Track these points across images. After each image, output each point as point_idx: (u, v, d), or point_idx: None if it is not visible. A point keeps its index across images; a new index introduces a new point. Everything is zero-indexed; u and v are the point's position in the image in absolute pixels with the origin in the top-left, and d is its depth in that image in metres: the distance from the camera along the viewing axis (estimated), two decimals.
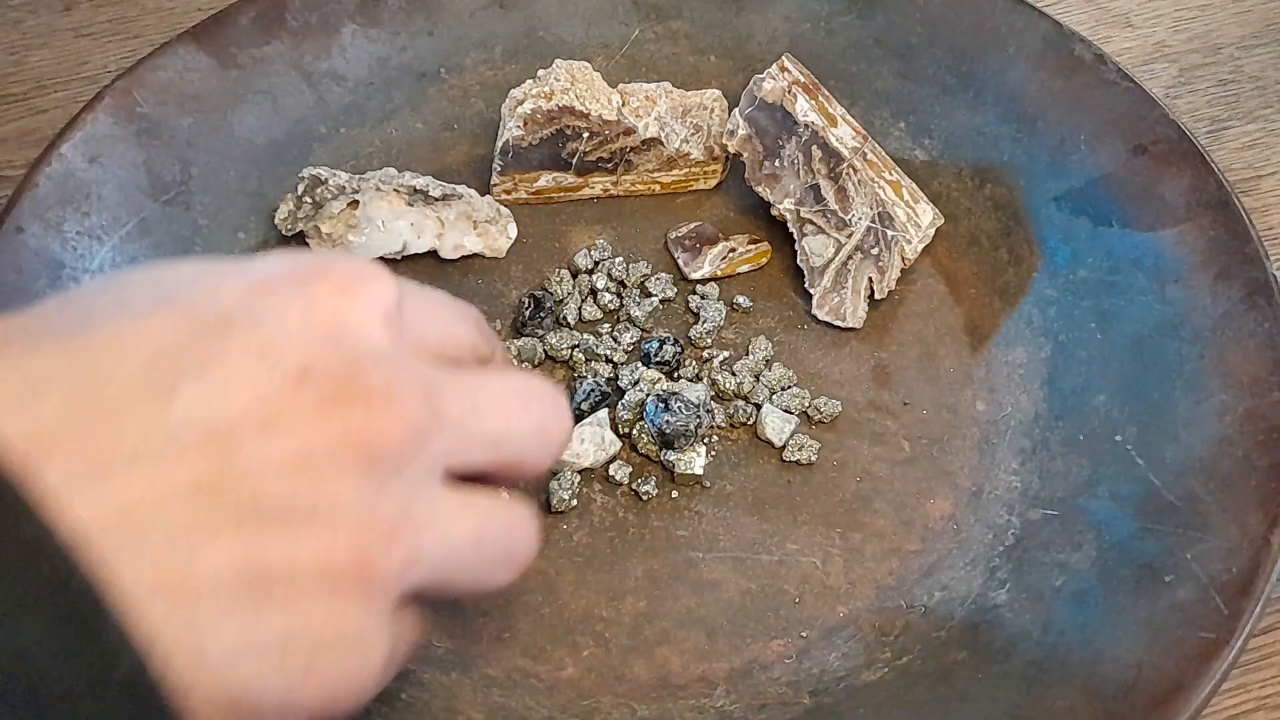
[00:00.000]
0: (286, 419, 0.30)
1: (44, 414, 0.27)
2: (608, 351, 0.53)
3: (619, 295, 0.55)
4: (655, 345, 0.53)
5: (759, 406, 0.52)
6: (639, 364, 0.53)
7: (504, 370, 0.38)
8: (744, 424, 0.52)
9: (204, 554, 0.28)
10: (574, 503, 0.50)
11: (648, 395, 0.51)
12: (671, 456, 0.50)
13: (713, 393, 0.52)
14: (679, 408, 0.49)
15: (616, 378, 0.53)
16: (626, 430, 0.51)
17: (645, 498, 0.50)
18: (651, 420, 0.50)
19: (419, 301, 0.35)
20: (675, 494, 0.50)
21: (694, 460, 0.50)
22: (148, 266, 0.33)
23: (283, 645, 0.30)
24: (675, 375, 0.53)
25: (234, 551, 0.29)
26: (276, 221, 0.55)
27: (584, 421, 0.51)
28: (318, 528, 0.30)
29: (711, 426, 0.51)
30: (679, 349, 0.53)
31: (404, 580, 0.32)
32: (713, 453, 0.51)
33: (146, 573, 0.28)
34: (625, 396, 0.52)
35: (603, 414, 0.51)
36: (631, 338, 0.54)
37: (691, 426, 0.49)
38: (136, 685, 0.27)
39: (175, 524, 0.28)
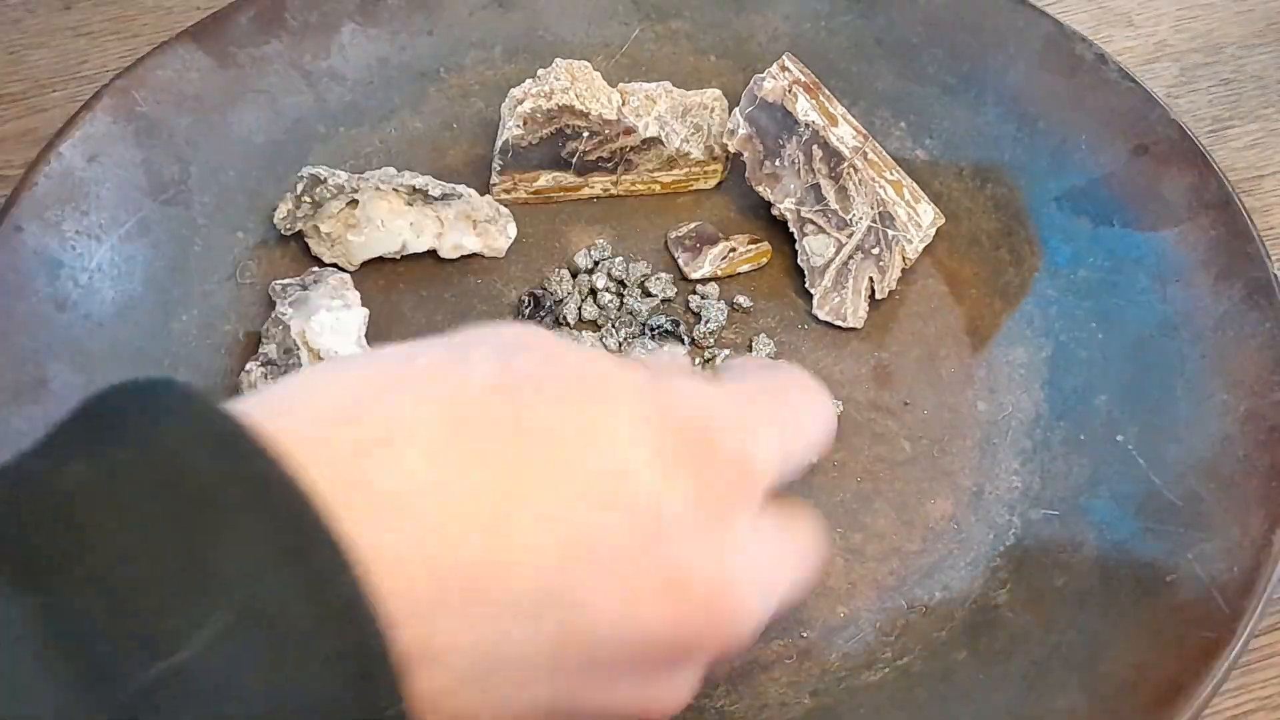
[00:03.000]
0: (679, 473, 0.30)
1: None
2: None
3: (619, 295, 0.55)
4: (658, 320, 0.54)
5: None
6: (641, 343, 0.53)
7: (771, 386, 0.37)
8: None
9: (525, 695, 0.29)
10: None
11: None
12: None
13: None
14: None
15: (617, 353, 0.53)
16: None
17: None
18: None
19: (686, 378, 0.35)
20: None
21: None
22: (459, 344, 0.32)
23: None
24: (675, 338, 0.54)
25: (553, 695, 0.30)
26: (275, 221, 0.54)
27: None
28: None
29: None
30: (678, 322, 0.54)
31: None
32: None
33: (457, 632, 0.28)
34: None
35: None
36: (631, 330, 0.54)
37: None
38: None
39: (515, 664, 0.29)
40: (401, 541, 0.27)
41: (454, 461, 0.28)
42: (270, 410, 0.28)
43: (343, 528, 0.26)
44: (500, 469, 0.28)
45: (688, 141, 0.57)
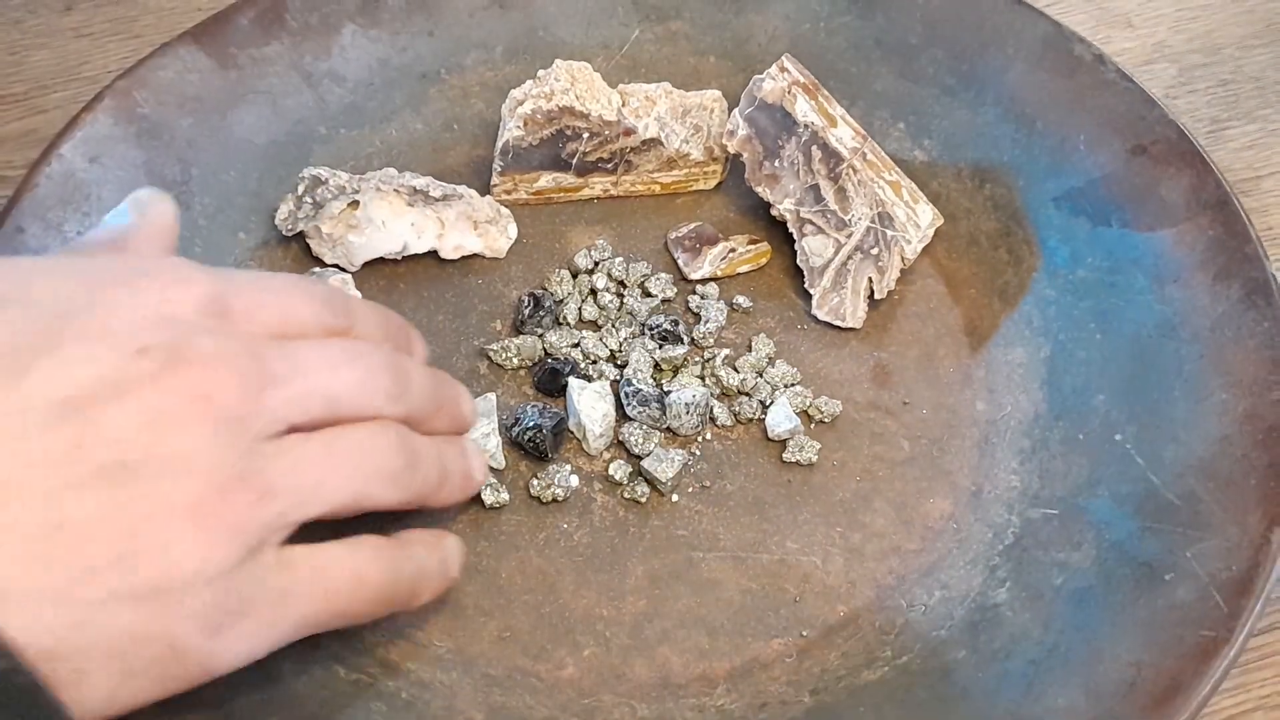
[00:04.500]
0: (134, 386, 0.34)
1: None
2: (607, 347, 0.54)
3: (619, 295, 0.55)
4: (658, 320, 0.54)
5: (766, 405, 0.52)
6: (640, 342, 0.53)
7: (333, 338, 0.41)
8: (750, 420, 0.52)
9: (60, 513, 0.32)
10: (566, 497, 0.50)
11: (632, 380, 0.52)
12: (646, 463, 0.50)
13: (717, 390, 0.52)
14: (642, 402, 0.51)
15: (617, 352, 0.54)
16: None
17: (644, 499, 0.50)
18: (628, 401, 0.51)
19: (245, 289, 0.39)
20: (675, 494, 0.50)
21: (666, 467, 0.50)
22: None
23: (149, 591, 0.33)
24: (674, 338, 0.54)
25: (87, 505, 0.33)
26: (277, 222, 0.55)
27: (590, 385, 0.51)
28: (168, 477, 0.34)
29: (701, 426, 0.52)
30: (677, 321, 0.54)
31: (263, 517, 0.35)
32: (712, 452, 0.51)
33: (14, 534, 0.32)
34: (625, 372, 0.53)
35: (603, 385, 0.52)
36: (632, 330, 0.54)
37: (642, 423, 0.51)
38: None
39: (33, 487, 0.32)
40: None
41: None
42: None
43: None
44: None
45: (687, 142, 0.57)
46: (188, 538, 0.34)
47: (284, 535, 0.37)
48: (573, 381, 0.51)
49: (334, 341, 0.40)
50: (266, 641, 0.37)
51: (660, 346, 0.53)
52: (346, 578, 0.39)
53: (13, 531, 0.32)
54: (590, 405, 0.50)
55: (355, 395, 0.39)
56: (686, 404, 0.51)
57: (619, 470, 0.50)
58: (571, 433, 0.51)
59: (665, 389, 0.52)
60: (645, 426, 0.51)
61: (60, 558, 0.32)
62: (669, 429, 0.51)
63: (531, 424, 0.50)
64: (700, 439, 0.52)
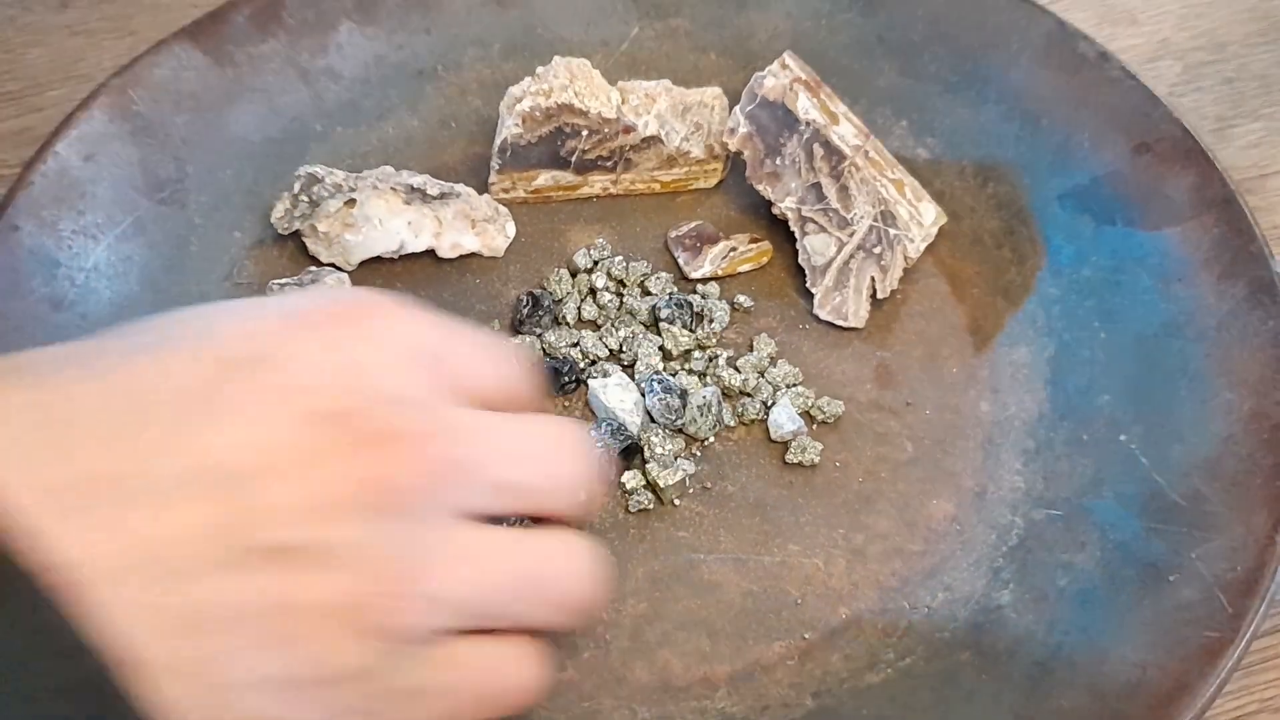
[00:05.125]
0: (300, 463, 0.30)
1: (56, 455, 0.29)
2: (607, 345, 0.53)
3: (619, 295, 0.55)
4: (667, 302, 0.54)
5: (768, 405, 0.52)
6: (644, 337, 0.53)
7: (534, 416, 0.37)
8: (754, 420, 0.52)
9: (208, 592, 0.29)
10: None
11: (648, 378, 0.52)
12: (653, 469, 0.50)
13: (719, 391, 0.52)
14: (668, 393, 0.50)
15: (617, 351, 0.54)
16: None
17: (650, 505, 0.49)
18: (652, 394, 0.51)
19: (455, 341, 0.35)
20: (676, 497, 0.50)
21: (670, 474, 0.50)
22: (195, 307, 0.34)
23: (289, 682, 0.31)
24: (684, 321, 0.54)
25: (240, 590, 0.29)
26: (273, 220, 0.54)
27: (609, 379, 0.51)
28: (328, 570, 0.30)
29: (717, 428, 0.51)
30: (682, 306, 0.54)
31: (417, 621, 0.32)
32: (714, 454, 0.51)
33: (146, 611, 0.28)
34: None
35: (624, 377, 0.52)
36: (631, 330, 0.54)
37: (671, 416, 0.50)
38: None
39: (181, 563, 0.29)
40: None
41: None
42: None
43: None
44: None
45: (688, 140, 0.57)
46: (336, 634, 0.31)
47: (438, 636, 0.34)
48: (592, 383, 0.51)
49: (540, 425, 0.36)
50: None
51: (672, 324, 0.53)
52: (500, 686, 0.36)
53: (158, 606, 0.29)
54: (618, 398, 0.50)
55: (550, 501, 0.36)
56: (699, 406, 0.50)
57: (631, 479, 0.50)
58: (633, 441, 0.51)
59: (684, 387, 0.51)
60: (666, 431, 0.51)
61: (205, 637, 0.30)
62: (680, 429, 0.51)
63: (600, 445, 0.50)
64: (703, 441, 0.51)
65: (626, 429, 0.50)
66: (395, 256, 0.55)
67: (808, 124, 0.54)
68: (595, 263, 0.56)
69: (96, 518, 0.28)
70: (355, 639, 0.31)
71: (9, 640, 0.27)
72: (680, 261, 0.56)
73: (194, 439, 0.30)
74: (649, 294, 0.55)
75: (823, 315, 0.54)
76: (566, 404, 0.52)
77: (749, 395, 0.52)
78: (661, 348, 0.53)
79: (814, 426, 0.52)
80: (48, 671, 0.28)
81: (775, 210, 0.56)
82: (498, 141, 0.56)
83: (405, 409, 0.32)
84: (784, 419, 0.51)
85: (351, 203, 0.54)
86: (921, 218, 0.55)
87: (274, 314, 0.33)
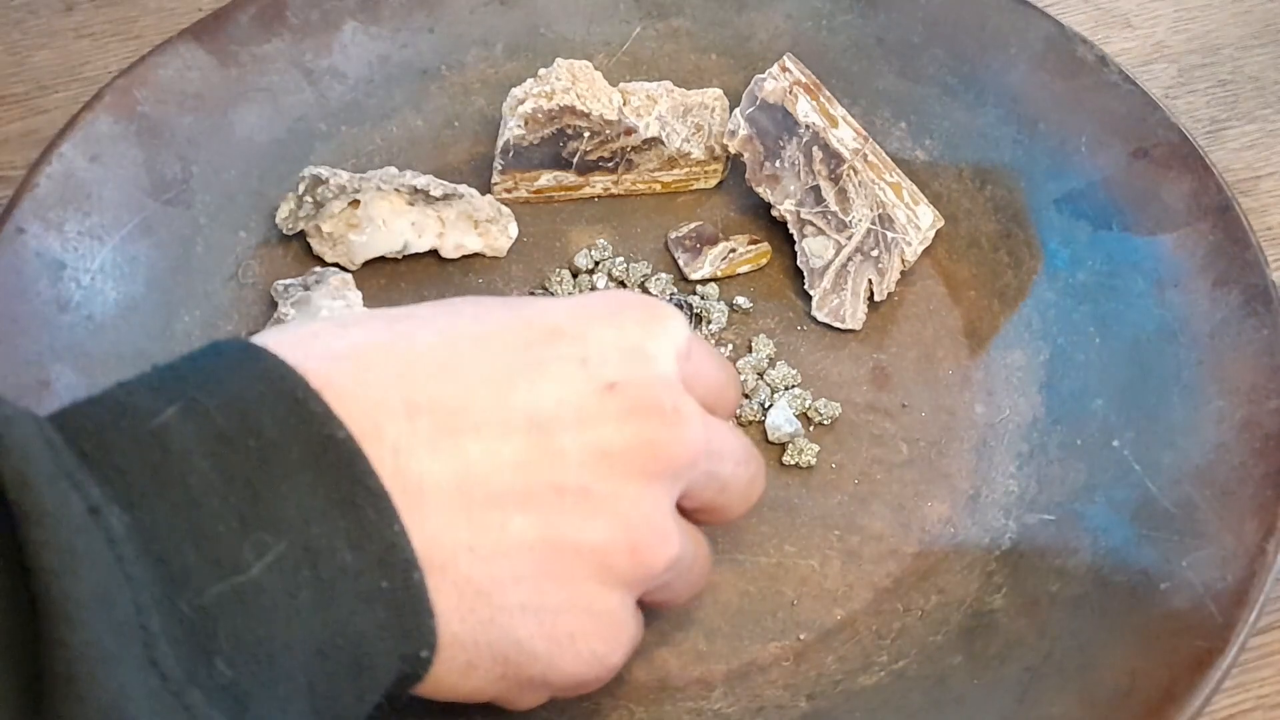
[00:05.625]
0: (595, 419, 0.36)
1: (406, 388, 0.34)
2: None
3: None
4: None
5: (765, 407, 0.52)
6: None
7: (736, 427, 0.45)
8: (752, 421, 0.52)
9: (515, 520, 0.35)
10: None
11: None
12: None
13: None
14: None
15: None
16: None
17: None
18: None
19: (701, 348, 0.41)
20: None
21: None
22: (476, 297, 0.40)
23: (557, 614, 0.36)
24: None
25: (537, 523, 0.35)
26: (277, 220, 0.55)
27: None
28: (606, 516, 0.36)
29: None
30: (681, 306, 0.54)
31: (655, 579, 0.38)
32: None
33: (463, 531, 0.34)
34: None
35: None
36: None
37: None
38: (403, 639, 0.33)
39: (498, 490, 0.34)
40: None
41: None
42: (332, 370, 0.33)
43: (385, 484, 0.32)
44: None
45: (688, 141, 0.57)
46: (591, 577, 0.36)
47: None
48: None
49: (739, 434, 0.42)
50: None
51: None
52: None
53: (463, 523, 0.34)
54: None
55: (736, 498, 0.41)
56: None
57: None
58: None
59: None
60: None
61: (494, 559, 0.34)
62: None
63: None
64: None
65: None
66: (399, 257, 0.55)
67: (807, 127, 0.54)
68: (596, 263, 0.56)
69: (443, 443, 0.34)
70: (603, 585, 0.36)
71: None
72: (680, 262, 0.56)
73: (513, 389, 0.35)
74: (649, 295, 0.56)
75: (820, 317, 0.55)
76: None
77: (747, 396, 0.53)
78: None
79: (811, 428, 0.52)
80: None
81: (774, 212, 0.56)
82: (500, 143, 0.57)
83: (675, 392, 0.37)
84: (782, 421, 0.51)
85: (356, 204, 0.54)
86: (919, 221, 0.55)
87: (565, 300, 0.40)
